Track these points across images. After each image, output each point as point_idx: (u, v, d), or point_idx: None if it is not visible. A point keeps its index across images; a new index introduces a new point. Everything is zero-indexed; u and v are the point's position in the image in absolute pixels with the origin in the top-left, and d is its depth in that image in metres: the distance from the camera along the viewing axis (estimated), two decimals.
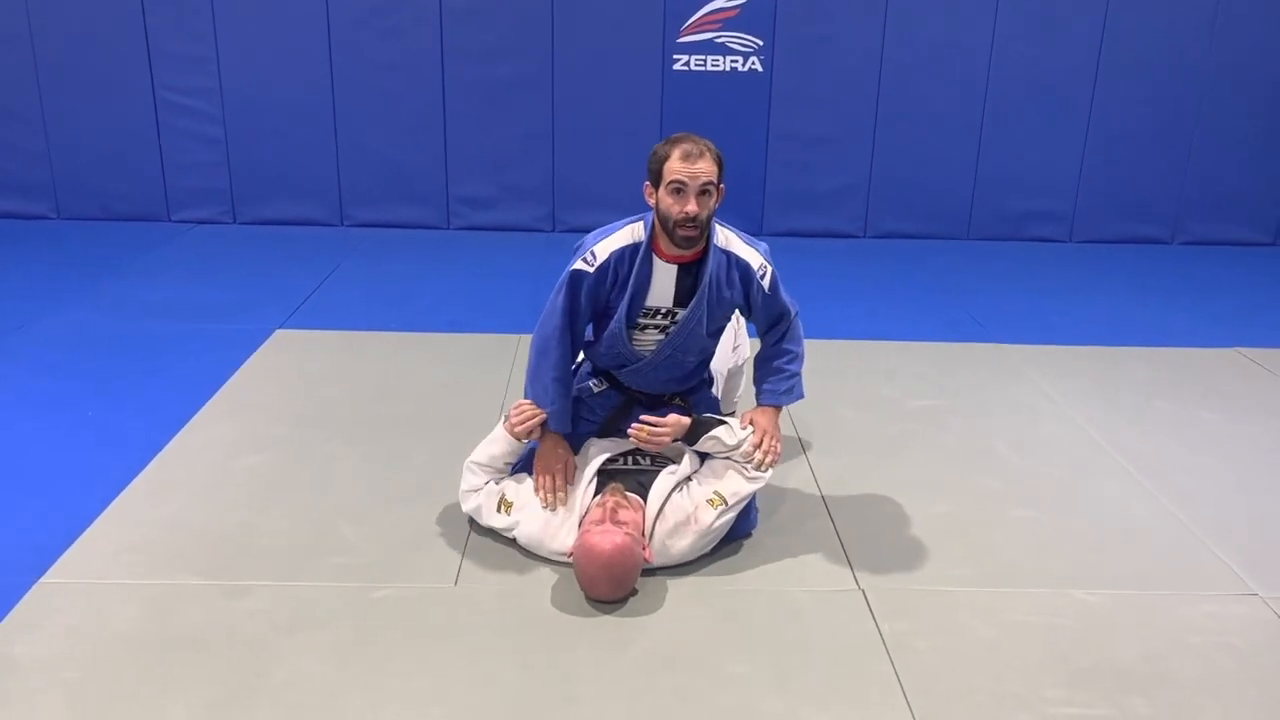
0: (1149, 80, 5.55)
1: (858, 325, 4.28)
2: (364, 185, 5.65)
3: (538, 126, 5.56)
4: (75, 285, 4.57)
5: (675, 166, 2.42)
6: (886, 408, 3.48)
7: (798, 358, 2.70)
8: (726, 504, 2.48)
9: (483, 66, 5.46)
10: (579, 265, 2.55)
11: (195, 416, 3.20)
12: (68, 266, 4.86)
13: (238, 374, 3.57)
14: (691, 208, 2.41)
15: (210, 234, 5.53)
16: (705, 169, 2.42)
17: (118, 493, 2.73)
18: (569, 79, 5.50)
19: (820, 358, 3.86)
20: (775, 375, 2.68)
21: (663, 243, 2.52)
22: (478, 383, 3.57)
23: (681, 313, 2.57)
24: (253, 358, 3.73)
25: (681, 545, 2.44)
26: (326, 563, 2.46)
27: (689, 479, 2.54)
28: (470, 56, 5.44)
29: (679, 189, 2.42)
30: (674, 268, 2.54)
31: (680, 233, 2.44)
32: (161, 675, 2.05)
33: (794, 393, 2.69)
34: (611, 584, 2.30)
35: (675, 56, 5.48)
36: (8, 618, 2.21)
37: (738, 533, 2.58)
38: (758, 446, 2.55)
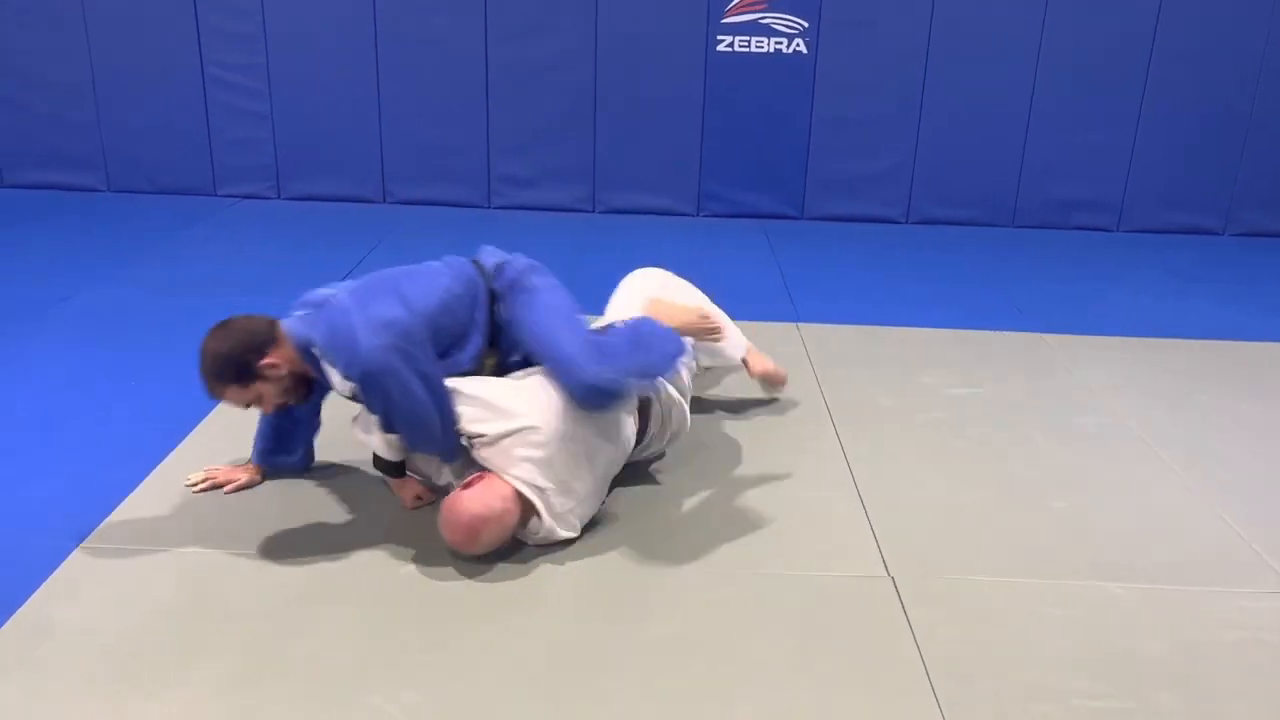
0: (1203, 66, 5.42)
1: (897, 312, 4.24)
2: (406, 162, 5.69)
3: (579, 106, 5.56)
4: (122, 257, 4.65)
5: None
6: (923, 395, 3.45)
7: None
8: None
9: (525, 46, 5.46)
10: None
11: None
12: (115, 239, 4.95)
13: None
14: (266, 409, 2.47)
15: (255, 209, 5.60)
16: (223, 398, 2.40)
17: (157, 463, 2.79)
18: (611, 59, 5.48)
19: (859, 344, 3.86)
20: None
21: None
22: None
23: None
24: None
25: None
26: (359, 536, 2.49)
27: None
28: (513, 36, 5.45)
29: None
30: None
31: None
32: (194, 643, 2.10)
33: None
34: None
35: (719, 37, 5.44)
36: (47, 582, 2.27)
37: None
38: None
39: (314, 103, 5.59)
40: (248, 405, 2.43)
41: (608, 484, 2.64)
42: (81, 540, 2.42)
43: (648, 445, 2.77)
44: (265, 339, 2.37)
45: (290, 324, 2.41)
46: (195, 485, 2.66)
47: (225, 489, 2.66)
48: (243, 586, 2.29)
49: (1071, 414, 3.33)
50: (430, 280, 2.51)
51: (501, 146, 5.65)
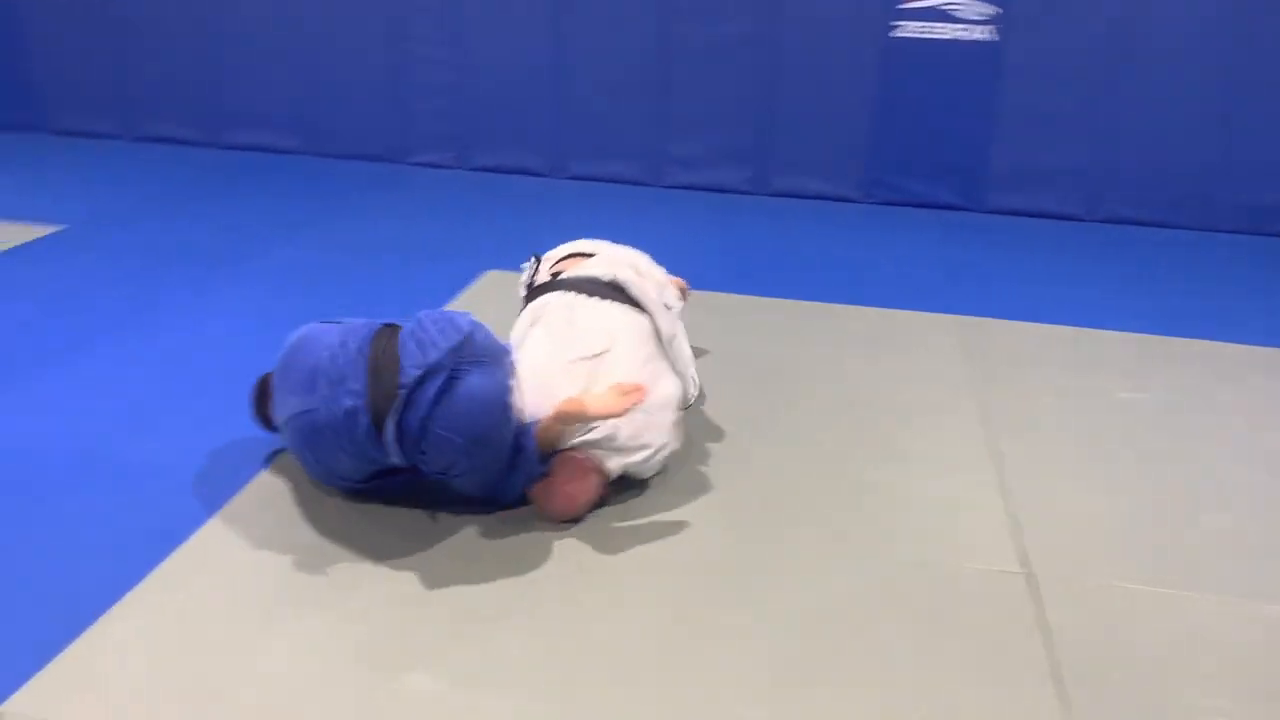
0: None
1: (1070, 312, 4.07)
2: (581, 138, 5.84)
3: (753, 88, 5.56)
4: (313, 218, 4.99)
5: None
6: (1090, 397, 3.32)
7: None
8: None
9: (704, 26, 5.50)
10: None
11: None
12: (308, 200, 5.29)
13: (447, 308, 3.81)
14: None
15: (439, 177, 5.88)
16: None
17: None
18: (788, 42, 5.46)
19: (1022, 340, 3.74)
20: None
21: None
22: None
23: None
24: (462, 294, 3.98)
25: None
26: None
27: None
28: (692, 16, 5.50)
29: None
30: None
31: None
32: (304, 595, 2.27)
33: None
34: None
35: (898, 23, 5.34)
36: (219, 511, 2.49)
37: None
38: None
39: (499, 78, 5.81)
40: None
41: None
42: (238, 491, 2.57)
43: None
44: None
45: None
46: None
47: None
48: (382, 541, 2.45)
49: (1248, 429, 3.14)
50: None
51: (674, 126, 5.71)
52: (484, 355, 2.30)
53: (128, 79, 6.19)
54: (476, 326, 2.36)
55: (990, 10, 5.24)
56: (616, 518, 2.51)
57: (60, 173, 5.57)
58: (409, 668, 1.99)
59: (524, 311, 2.84)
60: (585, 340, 2.59)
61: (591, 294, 2.74)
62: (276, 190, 5.46)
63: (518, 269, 3.18)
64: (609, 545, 2.40)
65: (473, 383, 2.24)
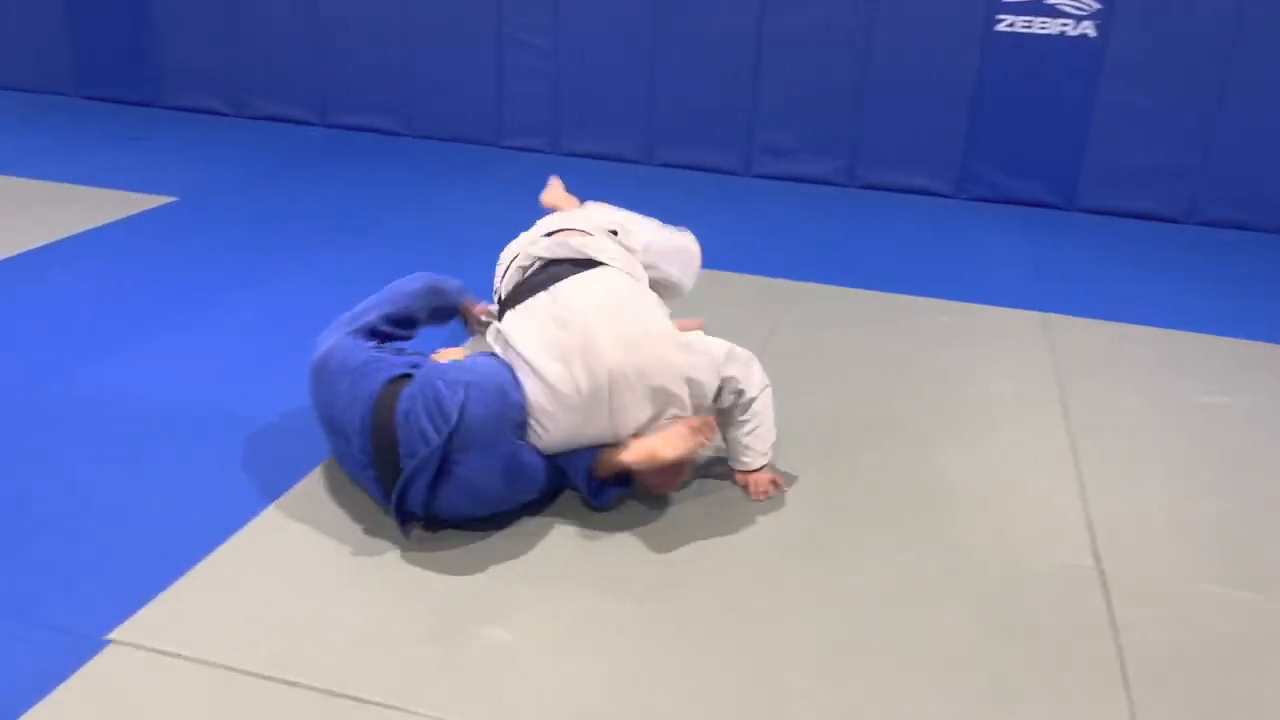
0: None
1: (1159, 314, 4.00)
2: (672, 126, 5.90)
3: (846, 79, 5.56)
4: (411, 195, 5.16)
5: None
6: (1175, 399, 3.29)
7: None
8: None
9: (799, 16, 5.51)
10: None
11: None
12: (410, 179, 5.47)
13: None
14: None
15: (532, 160, 6.00)
16: None
17: None
18: (885, 34, 5.44)
19: (1108, 340, 3.71)
20: None
21: None
22: (737, 320, 3.70)
23: None
24: None
25: None
26: None
27: None
28: (788, 5, 5.52)
29: None
30: None
31: None
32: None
33: None
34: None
35: (999, 17, 5.28)
36: (316, 466, 2.63)
37: None
38: None
39: (594, 65, 5.91)
40: None
41: None
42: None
43: None
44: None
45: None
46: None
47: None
48: None
49: None
50: None
51: (765, 115, 5.74)
52: (478, 435, 2.22)
53: (239, 60, 6.46)
54: (472, 398, 2.22)
55: (1093, 5, 5.15)
56: (694, 493, 2.59)
57: (174, 147, 5.85)
58: (489, 621, 2.10)
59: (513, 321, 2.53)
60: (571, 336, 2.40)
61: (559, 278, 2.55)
62: (378, 168, 5.65)
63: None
64: (685, 518, 2.48)
65: (467, 472, 2.23)
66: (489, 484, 2.28)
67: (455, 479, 2.24)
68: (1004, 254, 4.72)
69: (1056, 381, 3.35)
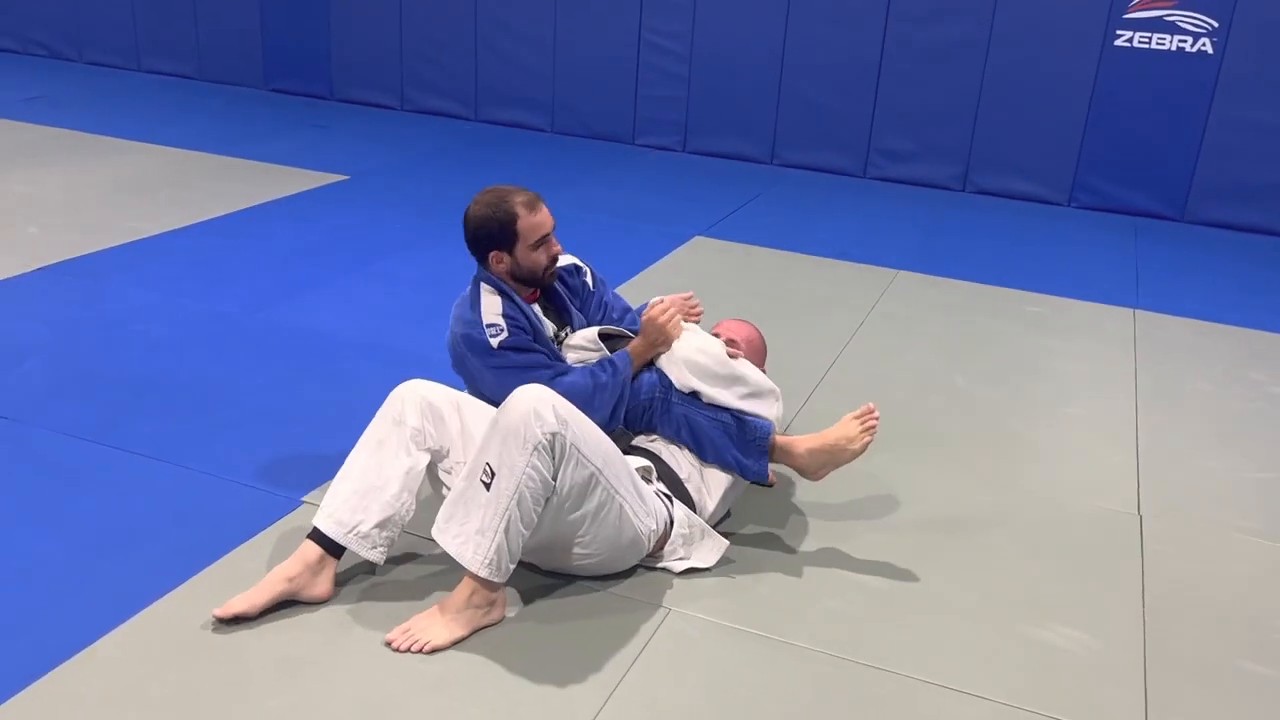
0: None
1: (1254, 316, 4.21)
2: (796, 129, 6.29)
3: (966, 87, 5.84)
4: (553, 183, 5.66)
5: (532, 221, 2.44)
6: (1245, 386, 3.52)
7: None
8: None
9: (924, 27, 5.83)
10: (499, 336, 2.42)
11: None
12: (549, 170, 6.01)
13: (657, 264, 4.40)
14: (558, 248, 2.50)
15: (662, 158, 6.48)
16: (546, 208, 2.48)
17: None
18: (1006, 45, 5.70)
19: (1194, 335, 3.97)
20: None
21: (522, 291, 2.52)
22: (843, 303, 4.08)
23: (568, 329, 2.61)
24: (671, 254, 4.54)
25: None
26: None
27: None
28: (914, 17, 5.83)
29: (544, 238, 2.46)
30: (536, 304, 2.57)
31: (550, 274, 2.51)
32: None
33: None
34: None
35: (1119, 32, 5.49)
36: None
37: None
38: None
39: (724, 69, 6.34)
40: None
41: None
42: None
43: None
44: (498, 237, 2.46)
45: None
46: None
47: None
48: None
49: None
50: None
51: (885, 121, 6.07)
52: None
53: (405, 60, 7.15)
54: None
55: (1212, 24, 5.31)
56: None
57: (347, 134, 6.54)
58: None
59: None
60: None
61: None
62: (525, 159, 6.22)
63: (720, 237, 3.62)
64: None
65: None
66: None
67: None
68: (1106, 256, 4.95)
69: (1133, 365, 3.62)
